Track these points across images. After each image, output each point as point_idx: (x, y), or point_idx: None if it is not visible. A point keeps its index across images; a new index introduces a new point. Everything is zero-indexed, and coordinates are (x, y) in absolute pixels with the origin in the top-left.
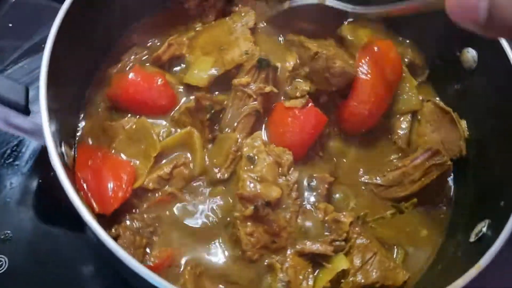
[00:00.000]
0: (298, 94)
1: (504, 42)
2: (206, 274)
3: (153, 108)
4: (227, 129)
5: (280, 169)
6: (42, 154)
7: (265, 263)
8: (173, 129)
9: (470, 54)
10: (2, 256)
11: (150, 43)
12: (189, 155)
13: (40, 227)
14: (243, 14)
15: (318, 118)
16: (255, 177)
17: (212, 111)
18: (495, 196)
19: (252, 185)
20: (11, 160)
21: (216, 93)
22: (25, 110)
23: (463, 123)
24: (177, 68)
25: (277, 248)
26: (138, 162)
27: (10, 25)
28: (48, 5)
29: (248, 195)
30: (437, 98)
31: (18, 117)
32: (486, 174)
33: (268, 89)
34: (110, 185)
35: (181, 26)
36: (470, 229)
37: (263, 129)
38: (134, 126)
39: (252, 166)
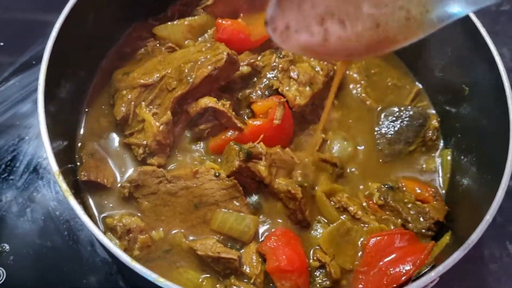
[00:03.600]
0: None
1: None
2: None
3: None
4: None
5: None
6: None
7: None
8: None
9: None
10: (0, 268)
11: None
12: None
13: (36, 240)
14: None
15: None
16: None
17: None
18: None
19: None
20: (5, 174)
21: None
22: None
23: None
24: None
25: None
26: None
27: (2, 44)
28: (39, 20)
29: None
30: None
31: None
32: None
33: None
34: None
35: None
36: None
37: None
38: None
39: None
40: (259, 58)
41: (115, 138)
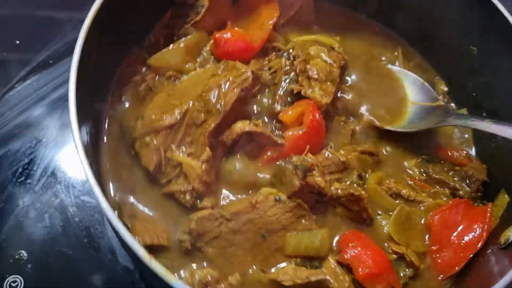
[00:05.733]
0: None
1: None
2: None
3: None
4: None
5: None
6: None
7: None
8: None
9: None
10: (17, 276)
11: None
12: None
13: (54, 246)
14: None
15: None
16: None
17: None
18: None
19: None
20: (22, 178)
21: None
22: None
23: None
24: None
25: None
26: None
27: (18, 42)
28: (55, 18)
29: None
30: None
31: None
32: None
33: None
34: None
35: None
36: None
37: None
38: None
39: None
40: (265, 63)
41: (150, 191)
